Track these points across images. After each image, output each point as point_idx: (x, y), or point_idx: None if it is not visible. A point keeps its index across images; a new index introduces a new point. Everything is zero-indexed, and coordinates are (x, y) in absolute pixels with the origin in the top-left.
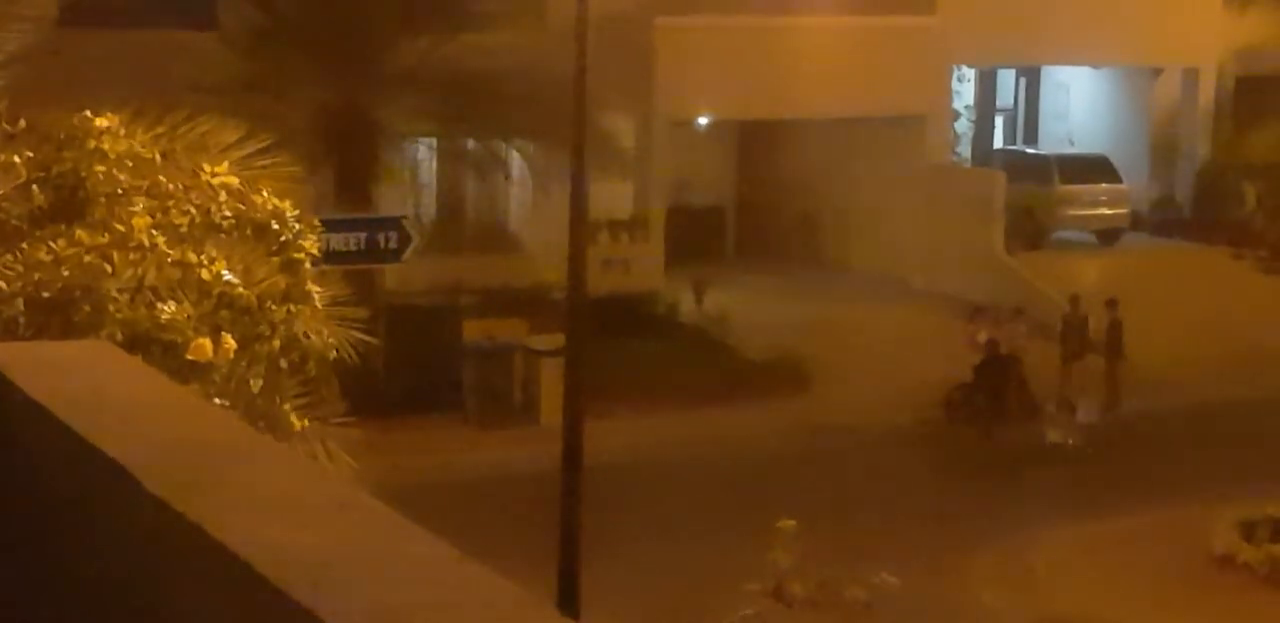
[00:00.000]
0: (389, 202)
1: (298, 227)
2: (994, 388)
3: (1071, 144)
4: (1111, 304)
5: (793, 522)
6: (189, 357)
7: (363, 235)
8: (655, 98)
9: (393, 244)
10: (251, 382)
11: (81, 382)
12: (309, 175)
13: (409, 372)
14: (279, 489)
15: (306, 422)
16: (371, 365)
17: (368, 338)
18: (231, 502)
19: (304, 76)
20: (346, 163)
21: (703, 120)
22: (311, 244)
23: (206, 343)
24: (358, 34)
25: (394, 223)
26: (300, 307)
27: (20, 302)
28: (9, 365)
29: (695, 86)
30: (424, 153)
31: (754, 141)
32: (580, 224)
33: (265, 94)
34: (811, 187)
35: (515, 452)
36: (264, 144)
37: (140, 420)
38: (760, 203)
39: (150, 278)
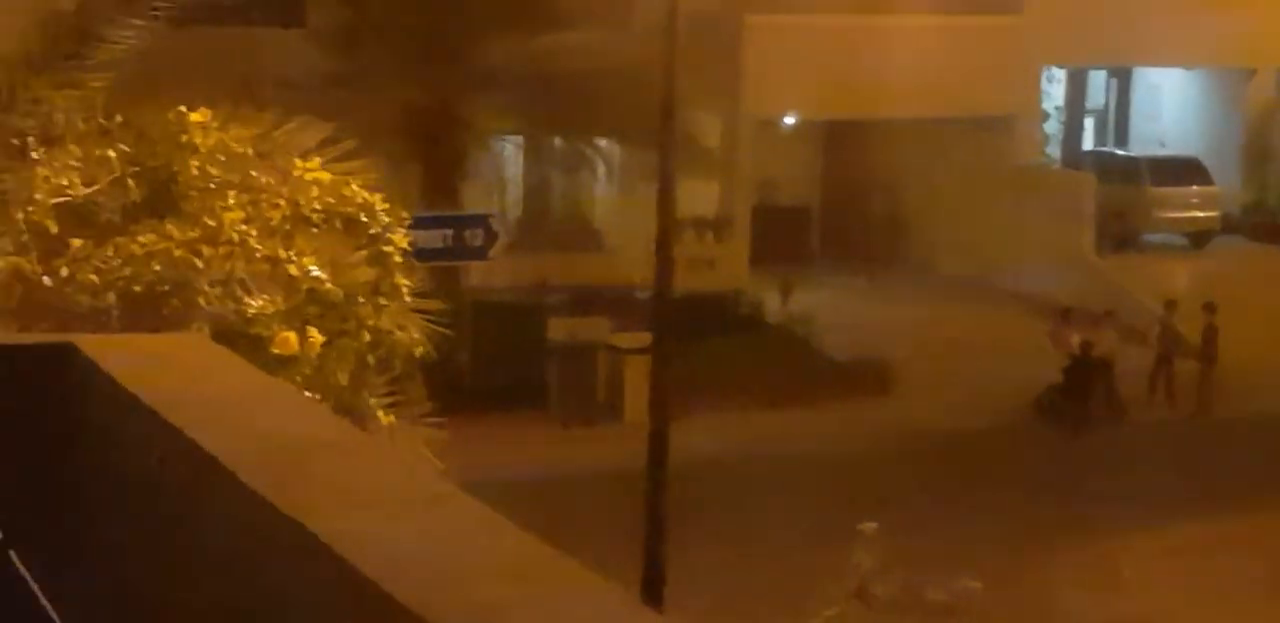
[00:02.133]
0: (475, 199)
1: (387, 220)
2: (1084, 391)
3: (1163, 146)
4: (1209, 308)
5: (875, 524)
6: (274, 351)
7: (449, 232)
8: (742, 96)
9: (479, 241)
10: (338, 376)
11: (176, 375)
12: (395, 172)
13: (493, 369)
14: (373, 484)
15: (393, 418)
16: (456, 362)
17: (452, 335)
18: (327, 496)
19: (391, 74)
20: (433, 160)
21: (789, 119)
22: (401, 238)
23: (293, 337)
24: (445, 32)
25: (480, 220)
26: (388, 301)
27: (112, 295)
28: (104, 358)
29: (782, 85)
30: (510, 150)
31: (841, 141)
32: (668, 223)
33: (352, 91)
34: (898, 187)
35: (599, 449)
36: (353, 141)
37: (235, 414)
38: (846, 203)
39: (239, 272)
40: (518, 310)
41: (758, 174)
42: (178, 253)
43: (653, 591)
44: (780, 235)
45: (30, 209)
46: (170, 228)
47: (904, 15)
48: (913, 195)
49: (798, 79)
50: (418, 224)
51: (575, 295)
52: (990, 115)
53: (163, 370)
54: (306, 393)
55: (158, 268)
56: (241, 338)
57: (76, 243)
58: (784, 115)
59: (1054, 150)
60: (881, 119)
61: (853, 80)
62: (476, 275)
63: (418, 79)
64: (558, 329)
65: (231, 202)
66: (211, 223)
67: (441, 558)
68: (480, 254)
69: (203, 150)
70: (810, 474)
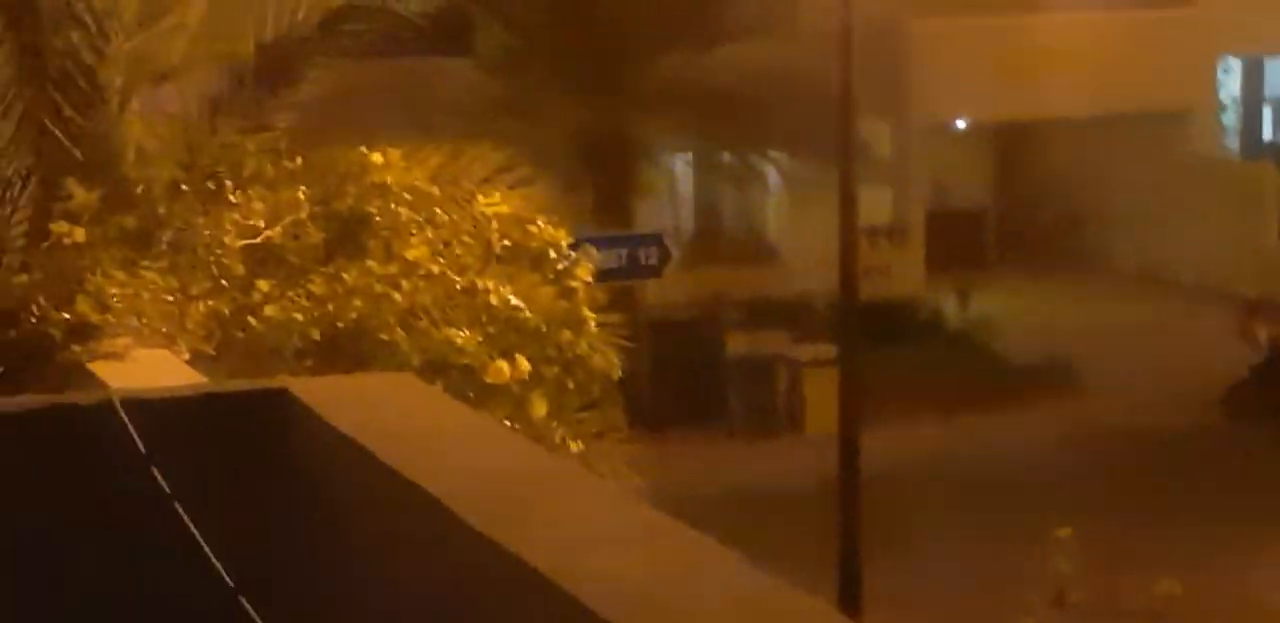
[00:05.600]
0: (647, 217)
1: (573, 255)
2: (1276, 387)
3: None
4: None
5: (1071, 529)
6: (487, 380)
7: (623, 252)
8: (911, 101)
9: (653, 260)
10: (538, 404)
11: (388, 414)
12: (568, 194)
13: (673, 386)
14: (592, 518)
15: (587, 442)
16: (635, 380)
17: (632, 353)
18: (546, 532)
19: (559, 97)
20: (604, 181)
21: (960, 123)
22: (585, 271)
23: (504, 365)
24: (610, 53)
25: (653, 239)
26: (580, 330)
27: (316, 332)
28: (316, 400)
29: (951, 89)
30: (680, 167)
31: (1013, 143)
32: (851, 232)
33: (521, 116)
34: (1073, 186)
35: (783, 462)
36: (528, 169)
37: (449, 451)
38: (1021, 204)
39: (441, 304)
40: (695, 326)
41: (930, 179)
42: (378, 288)
43: (848, 602)
44: (955, 240)
45: (220, 252)
46: (370, 263)
47: (1073, 12)
48: (1089, 194)
49: (968, 82)
50: (592, 245)
51: (751, 308)
52: (1165, 110)
53: (374, 410)
54: (509, 422)
55: (359, 303)
56: (449, 369)
57: (265, 285)
58: (955, 119)
59: (1232, 142)
60: (1054, 118)
61: (1023, 81)
62: (652, 293)
63: (586, 101)
64: (735, 343)
65: (419, 240)
66: (408, 257)
67: (673, 594)
68: (655, 272)
69: (388, 190)
70: (1001, 480)
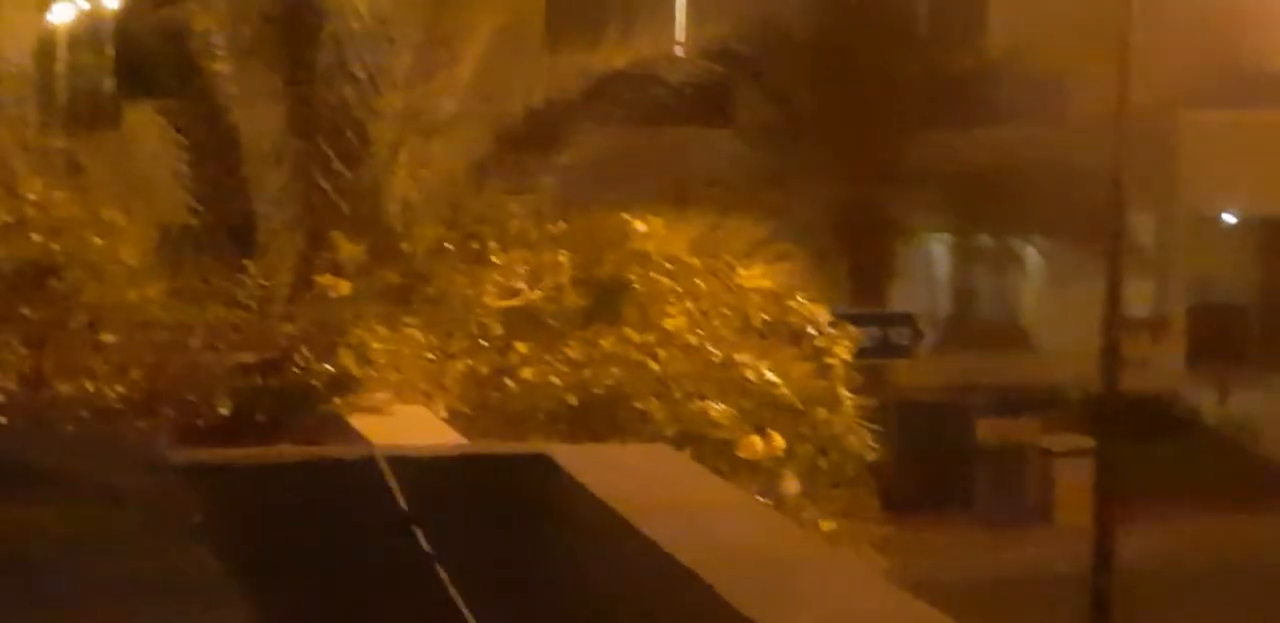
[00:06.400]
0: (899, 295)
1: (832, 332)
2: None
3: None
4: None
5: None
6: (740, 454)
7: (874, 330)
8: (1179, 192)
9: (904, 340)
10: (791, 481)
11: (649, 485)
12: (819, 269)
13: (919, 469)
14: (848, 599)
15: (836, 523)
16: (881, 461)
17: (879, 434)
18: (804, 612)
19: (816, 171)
20: (858, 257)
21: (1227, 215)
22: (844, 349)
23: (758, 440)
24: (872, 129)
25: (905, 318)
26: (833, 410)
27: (573, 397)
28: (578, 467)
29: (1219, 181)
30: (936, 247)
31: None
32: (1114, 322)
33: (779, 188)
34: None
35: (1032, 552)
36: (787, 243)
37: (708, 526)
38: None
39: (696, 376)
40: (944, 410)
41: (1193, 271)
42: (635, 356)
43: None
44: (1217, 335)
45: (479, 311)
46: (627, 331)
47: None
48: None
49: (1236, 174)
50: (841, 320)
51: (1002, 395)
52: None
53: (635, 480)
54: (760, 498)
55: (615, 371)
56: (702, 441)
57: (523, 347)
58: (1222, 211)
59: None
60: None
61: None
62: (902, 374)
63: (843, 176)
64: (985, 430)
65: (678, 309)
66: (667, 326)
67: None
68: (905, 352)
69: (649, 258)
70: (1259, 583)
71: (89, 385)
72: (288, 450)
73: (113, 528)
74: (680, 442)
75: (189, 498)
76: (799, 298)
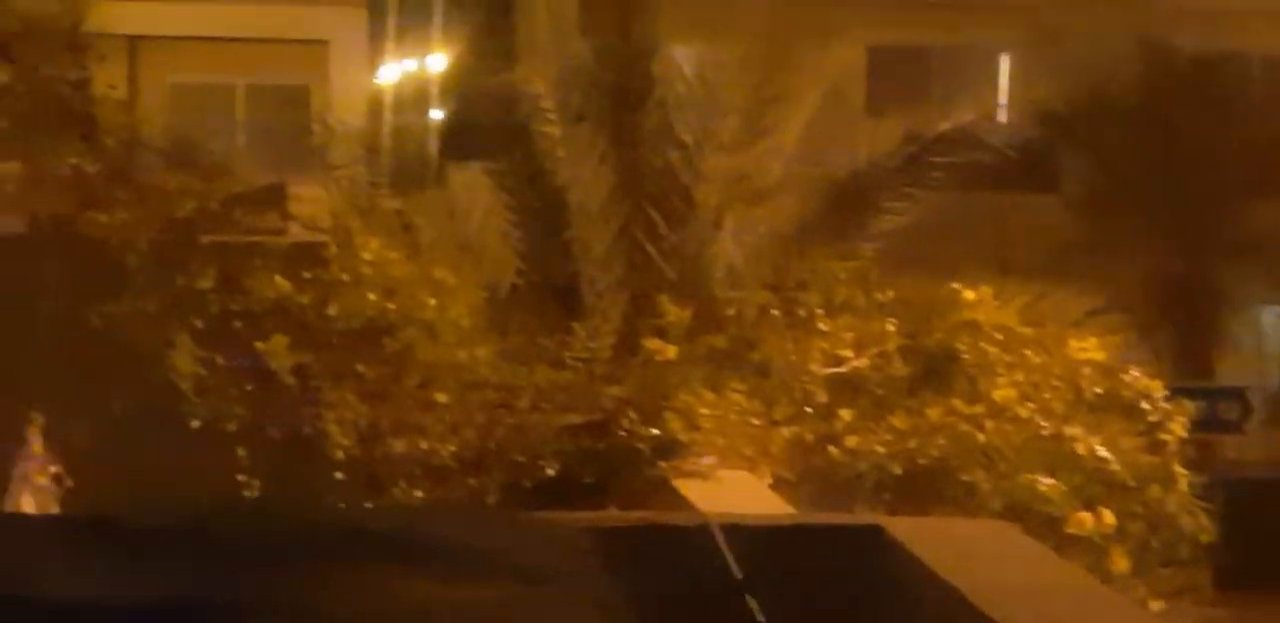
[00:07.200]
0: (1228, 369)
1: (1167, 407)
2: None
3: None
4: None
5: None
6: (1069, 530)
7: (1202, 404)
8: None
9: (1233, 415)
10: (1121, 559)
11: (988, 562)
12: (1142, 340)
13: (1251, 547)
14: None
15: (1167, 603)
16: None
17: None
18: None
19: (1140, 240)
20: (1186, 328)
21: None
22: (1180, 426)
23: (1088, 517)
24: (1199, 198)
25: (1236, 392)
26: (1170, 487)
27: (896, 467)
28: (913, 541)
29: None
30: (1267, 319)
31: None
32: None
33: (1104, 257)
34: None
35: None
36: (1117, 315)
37: (1050, 610)
38: None
39: (1024, 449)
40: (1275, 487)
41: None
42: (962, 427)
43: None
44: None
45: (805, 379)
46: (956, 402)
47: None
48: None
49: None
50: (1170, 395)
51: None
52: None
53: (973, 557)
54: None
55: (942, 441)
56: (1029, 515)
57: (848, 414)
58: None
59: None
60: None
61: None
62: (1231, 449)
63: (1171, 246)
64: None
65: (1006, 381)
66: (995, 398)
67: None
68: (1235, 428)
69: (978, 327)
70: None
71: (423, 444)
72: (623, 515)
73: (545, 608)
74: (1006, 516)
75: (604, 573)
76: (1133, 371)
